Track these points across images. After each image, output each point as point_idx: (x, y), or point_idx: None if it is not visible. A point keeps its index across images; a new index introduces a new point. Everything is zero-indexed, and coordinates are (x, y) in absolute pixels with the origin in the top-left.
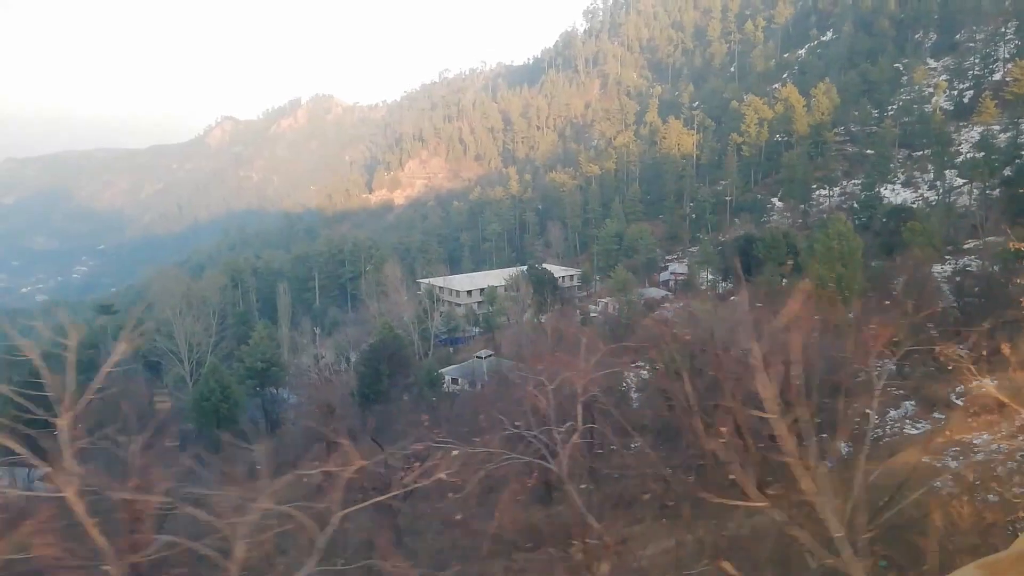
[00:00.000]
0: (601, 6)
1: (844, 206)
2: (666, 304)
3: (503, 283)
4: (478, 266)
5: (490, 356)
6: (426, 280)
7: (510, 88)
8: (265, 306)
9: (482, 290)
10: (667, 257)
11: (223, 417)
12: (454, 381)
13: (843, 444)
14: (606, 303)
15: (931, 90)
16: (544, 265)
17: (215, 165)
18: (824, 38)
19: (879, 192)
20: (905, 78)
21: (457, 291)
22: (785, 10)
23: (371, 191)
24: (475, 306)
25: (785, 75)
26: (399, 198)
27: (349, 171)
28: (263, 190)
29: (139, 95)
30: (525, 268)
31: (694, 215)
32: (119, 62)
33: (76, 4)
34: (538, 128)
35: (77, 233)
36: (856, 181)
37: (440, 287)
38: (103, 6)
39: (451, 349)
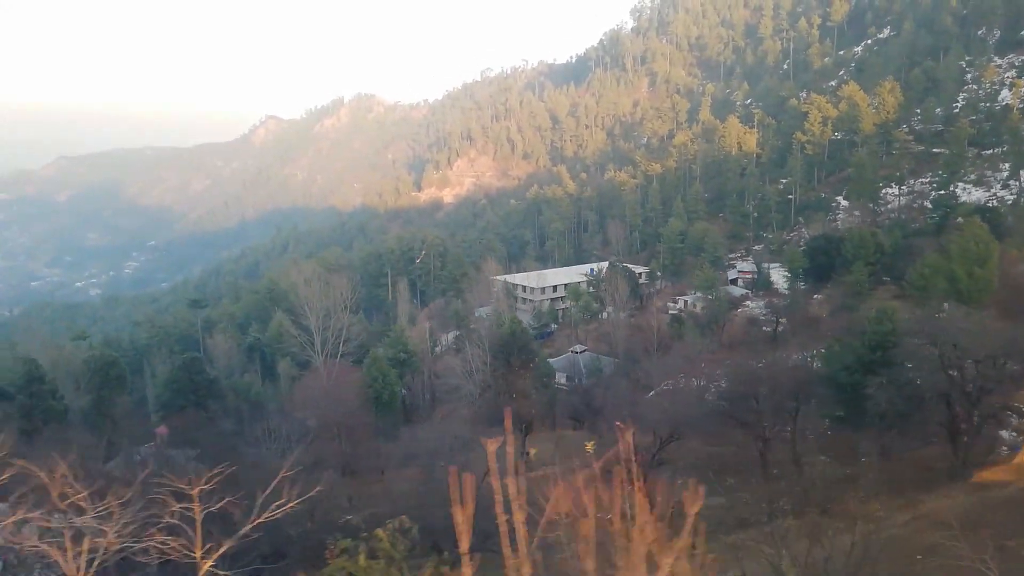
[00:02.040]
0: (648, 4)
1: (914, 205)
2: (747, 302)
3: (580, 280)
4: (542, 264)
5: (585, 351)
6: (500, 277)
7: (555, 87)
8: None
9: (555, 287)
10: (730, 256)
11: (383, 403)
12: None
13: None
14: (686, 301)
15: (997, 87)
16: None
17: (260, 163)
18: (881, 35)
19: (953, 191)
20: (970, 75)
21: (530, 287)
22: (841, 7)
23: (420, 189)
24: (548, 302)
25: (842, 72)
26: (448, 196)
27: (392, 169)
28: (308, 188)
29: (185, 94)
30: (606, 265)
31: (756, 214)
32: (166, 62)
33: (124, 5)
34: (586, 127)
35: (128, 229)
36: (923, 180)
37: (513, 283)
38: (151, 8)
39: (540, 343)
